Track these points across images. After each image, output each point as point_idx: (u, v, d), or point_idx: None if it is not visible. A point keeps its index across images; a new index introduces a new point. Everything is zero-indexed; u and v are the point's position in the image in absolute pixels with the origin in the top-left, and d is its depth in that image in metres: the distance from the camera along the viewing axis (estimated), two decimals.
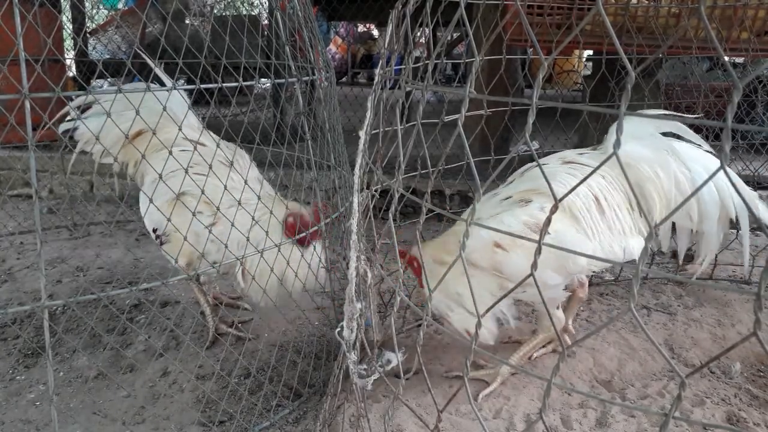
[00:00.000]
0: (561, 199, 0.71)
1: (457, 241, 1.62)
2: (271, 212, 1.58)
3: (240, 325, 1.98)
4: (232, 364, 1.79)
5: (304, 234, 1.67)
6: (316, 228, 1.68)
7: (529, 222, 1.51)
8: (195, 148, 1.48)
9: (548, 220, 0.73)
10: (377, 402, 1.59)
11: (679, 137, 1.70)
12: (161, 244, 1.72)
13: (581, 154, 1.73)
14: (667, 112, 1.72)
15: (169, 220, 1.37)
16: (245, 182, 1.55)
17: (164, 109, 1.34)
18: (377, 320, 1.66)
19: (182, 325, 2.04)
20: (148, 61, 1.64)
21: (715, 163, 1.60)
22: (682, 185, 1.61)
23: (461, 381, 0.82)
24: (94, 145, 1.90)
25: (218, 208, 1.47)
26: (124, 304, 2.19)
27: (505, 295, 0.84)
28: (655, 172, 1.62)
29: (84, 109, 1.91)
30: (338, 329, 1.27)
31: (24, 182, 3.56)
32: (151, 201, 1.37)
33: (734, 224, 1.73)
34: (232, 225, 1.45)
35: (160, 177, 1.36)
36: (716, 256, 2.38)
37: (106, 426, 1.52)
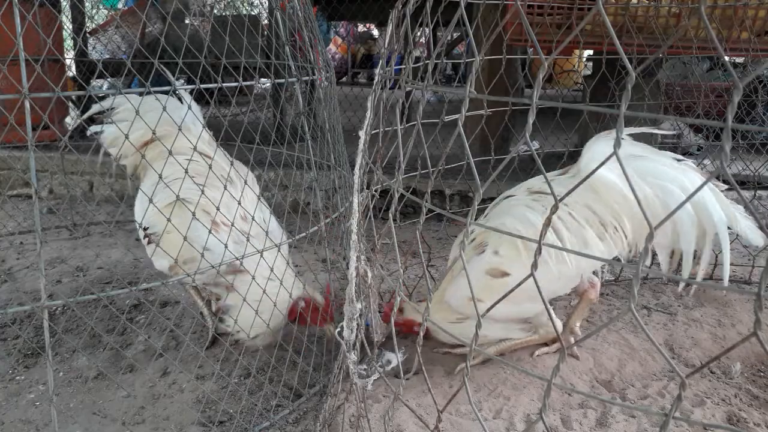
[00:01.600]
0: (496, 253, 0.71)
1: (443, 301, 1.71)
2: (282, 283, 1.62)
3: None
4: (232, 364, 1.79)
5: (312, 317, 1.72)
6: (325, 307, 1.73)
7: (491, 270, 1.60)
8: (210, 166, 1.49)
9: (548, 221, 0.73)
10: (377, 402, 1.58)
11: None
12: (149, 242, 1.72)
13: (552, 180, 1.71)
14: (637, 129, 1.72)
15: (169, 220, 1.37)
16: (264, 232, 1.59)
17: (189, 107, 1.36)
18: (378, 320, 1.66)
19: (182, 325, 2.04)
20: (164, 71, 1.65)
21: (691, 179, 1.59)
22: (653, 206, 1.57)
23: (461, 381, 0.82)
24: (114, 148, 1.94)
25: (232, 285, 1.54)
26: (124, 304, 2.19)
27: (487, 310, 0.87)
28: (623, 195, 1.60)
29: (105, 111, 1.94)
30: (338, 329, 1.27)
31: (24, 182, 3.56)
32: (151, 200, 1.37)
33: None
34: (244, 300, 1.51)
35: (160, 177, 1.36)
36: (716, 256, 2.38)
37: (105, 426, 1.52)
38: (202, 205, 1.51)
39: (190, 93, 1.77)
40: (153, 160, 1.80)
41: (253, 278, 1.54)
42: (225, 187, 1.52)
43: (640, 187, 1.59)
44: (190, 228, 1.44)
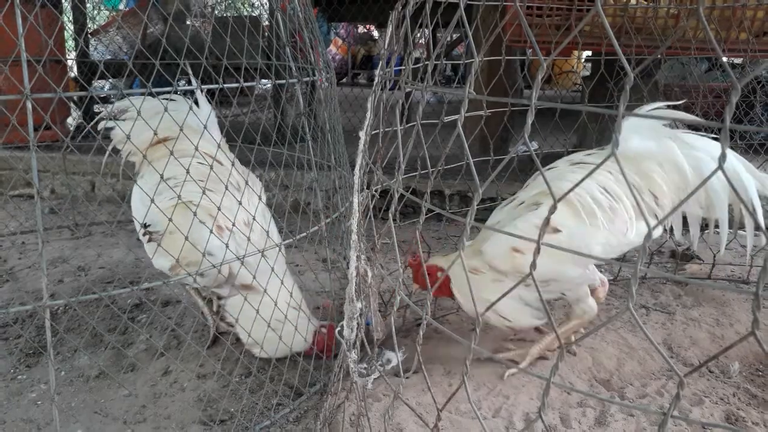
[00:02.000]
0: (560, 199, 0.71)
1: (479, 251, 1.69)
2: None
3: None
4: (233, 363, 1.79)
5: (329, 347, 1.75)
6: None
7: (540, 225, 1.54)
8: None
9: (547, 221, 0.74)
10: (377, 401, 1.59)
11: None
12: (149, 240, 1.72)
13: (589, 154, 1.78)
14: (659, 104, 1.73)
15: (170, 220, 1.38)
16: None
17: (209, 111, 1.36)
18: (378, 319, 1.67)
19: (183, 324, 2.04)
20: (190, 69, 1.66)
21: (718, 148, 1.61)
22: (688, 173, 1.62)
23: (461, 379, 0.83)
24: (124, 146, 1.93)
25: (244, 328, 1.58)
26: (126, 304, 2.19)
27: (511, 289, 0.85)
28: (659, 163, 1.65)
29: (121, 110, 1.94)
30: (338, 329, 1.28)
31: (26, 182, 3.57)
32: (152, 200, 1.38)
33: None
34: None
35: (161, 178, 1.37)
36: (714, 256, 2.39)
37: (107, 425, 1.53)
38: (209, 210, 1.50)
39: (191, 93, 1.77)
40: (159, 159, 1.78)
41: (275, 304, 1.57)
42: (227, 192, 1.52)
43: (675, 153, 1.63)
44: (195, 230, 1.44)
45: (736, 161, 1.64)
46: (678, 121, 1.69)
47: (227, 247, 1.49)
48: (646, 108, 1.70)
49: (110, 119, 1.88)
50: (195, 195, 1.48)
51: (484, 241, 1.69)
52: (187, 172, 1.44)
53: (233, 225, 1.51)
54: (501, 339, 1.92)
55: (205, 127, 1.47)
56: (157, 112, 1.55)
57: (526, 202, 1.68)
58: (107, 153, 2.02)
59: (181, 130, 1.35)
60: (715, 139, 1.69)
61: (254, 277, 1.59)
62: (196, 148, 1.50)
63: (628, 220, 1.63)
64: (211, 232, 1.48)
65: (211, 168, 1.48)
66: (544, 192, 1.67)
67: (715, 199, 1.65)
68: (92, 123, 1.90)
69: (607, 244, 1.61)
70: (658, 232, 1.70)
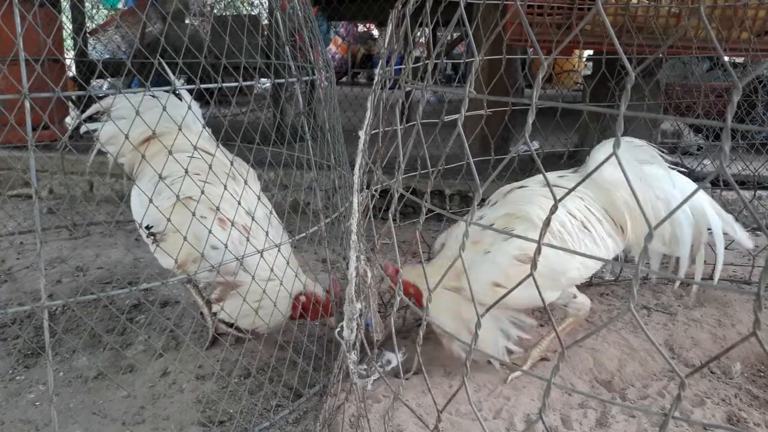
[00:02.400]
0: (543, 234, 0.71)
1: (452, 266, 1.67)
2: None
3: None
4: (232, 364, 1.79)
5: (313, 311, 1.73)
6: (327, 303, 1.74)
7: (519, 255, 1.57)
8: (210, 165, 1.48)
9: (548, 221, 0.73)
10: (377, 402, 1.59)
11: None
12: (154, 242, 1.72)
13: (562, 176, 1.78)
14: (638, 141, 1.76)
15: (168, 220, 1.37)
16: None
17: (189, 107, 1.36)
18: (377, 320, 1.66)
19: (182, 325, 2.04)
20: (164, 72, 1.64)
21: (691, 186, 1.67)
22: (657, 209, 1.64)
23: (461, 381, 0.82)
24: (112, 146, 1.92)
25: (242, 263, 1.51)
26: (124, 304, 2.19)
27: (494, 303, 0.86)
28: (628, 194, 1.66)
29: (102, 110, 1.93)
30: (338, 329, 1.27)
31: (24, 182, 3.56)
32: (151, 200, 1.37)
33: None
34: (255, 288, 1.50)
35: (160, 177, 1.36)
36: (716, 257, 2.38)
37: (105, 426, 1.52)
38: (209, 203, 1.50)
39: (190, 93, 1.77)
40: (152, 158, 1.77)
41: (253, 278, 1.54)
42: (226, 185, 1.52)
43: (645, 189, 1.64)
44: (198, 226, 1.44)
45: (704, 198, 1.68)
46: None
47: (226, 246, 1.49)
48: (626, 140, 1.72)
49: (92, 119, 1.87)
50: (193, 189, 1.48)
51: (449, 257, 1.66)
52: (186, 172, 1.43)
53: (249, 227, 1.51)
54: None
55: (179, 127, 1.42)
56: (146, 109, 1.53)
57: (496, 224, 1.66)
58: (93, 152, 2.01)
59: (180, 129, 1.35)
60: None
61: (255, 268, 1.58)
62: (195, 147, 1.50)
63: (599, 241, 1.64)
64: (210, 232, 1.47)
65: (210, 167, 1.47)
66: (512, 214, 1.65)
67: (679, 234, 1.66)
68: (84, 115, 1.89)
69: (582, 266, 1.63)
70: (618, 250, 1.72)
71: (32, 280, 2.40)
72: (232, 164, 1.58)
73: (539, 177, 1.79)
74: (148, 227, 1.69)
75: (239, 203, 1.53)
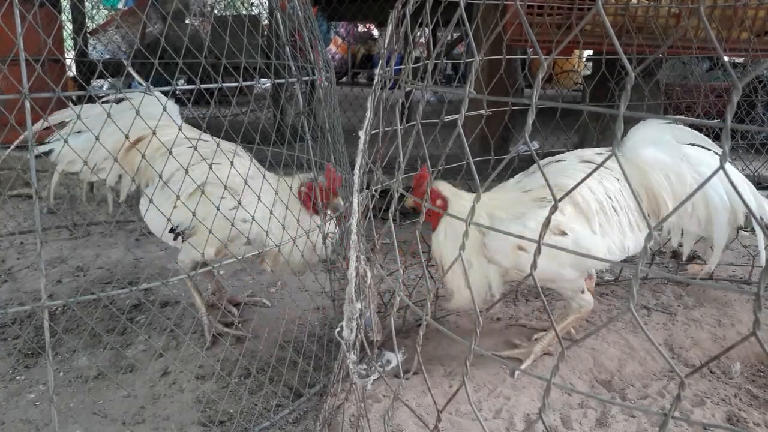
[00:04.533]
0: (560, 200, 0.71)
1: (504, 199, 1.68)
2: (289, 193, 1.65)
3: (240, 324, 1.98)
4: (232, 364, 1.79)
5: (321, 201, 1.72)
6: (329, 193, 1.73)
7: (550, 225, 1.54)
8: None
9: (548, 221, 0.73)
10: (377, 402, 1.59)
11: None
12: (184, 240, 1.71)
13: (599, 154, 1.78)
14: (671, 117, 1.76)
15: (193, 214, 1.38)
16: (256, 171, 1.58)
17: (164, 109, 1.35)
18: (377, 320, 1.66)
19: (182, 325, 2.04)
20: (132, 71, 1.59)
21: (730, 168, 1.67)
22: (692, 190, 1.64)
23: (461, 380, 0.82)
24: (80, 164, 1.78)
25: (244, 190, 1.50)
26: (124, 304, 2.19)
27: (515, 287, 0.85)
28: (668, 176, 1.67)
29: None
30: (338, 329, 1.27)
31: (24, 182, 3.56)
32: (148, 202, 1.37)
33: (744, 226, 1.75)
34: (258, 198, 1.51)
35: (160, 178, 1.36)
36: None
37: (106, 426, 1.52)
38: (219, 183, 1.48)
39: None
40: (144, 163, 1.69)
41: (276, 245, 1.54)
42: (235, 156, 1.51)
43: (687, 171, 1.66)
44: (222, 208, 1.45)
45: (738, 178, 1.68)
46: (679, 122, 1.70)
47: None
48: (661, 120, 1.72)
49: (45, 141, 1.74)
50: (206, 176, 1.47)
51: (487, 233, 1.64)
52: (185, 173, 1.43)
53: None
54: (503, 339, 1.91)
55: (151, 130, 1.38)
56: (115, 115, 1.43)
57: (532, 192, 1.66)
58: (54, 180, 1.87)
59: (153, 132, 1.34)
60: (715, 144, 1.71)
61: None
62: (195, 148, 1.50)
63: (628, 229, 1.65)
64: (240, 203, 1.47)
65: (209, 164, 1.46)
66: (555, 186, 1.65)
67: (715, 217, 1.67)
68: (39, 126, 1.64)
69: (608, 252, 1.62)
70: (638, 249, 1.71)
71: (32, 280, 2.40)
72: (218, 146, 1.57)
73: (578, 152, 1.80)
74: (172, 230, 1.68)
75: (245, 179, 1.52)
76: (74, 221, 3.12)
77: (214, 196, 1.46)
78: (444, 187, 1.70)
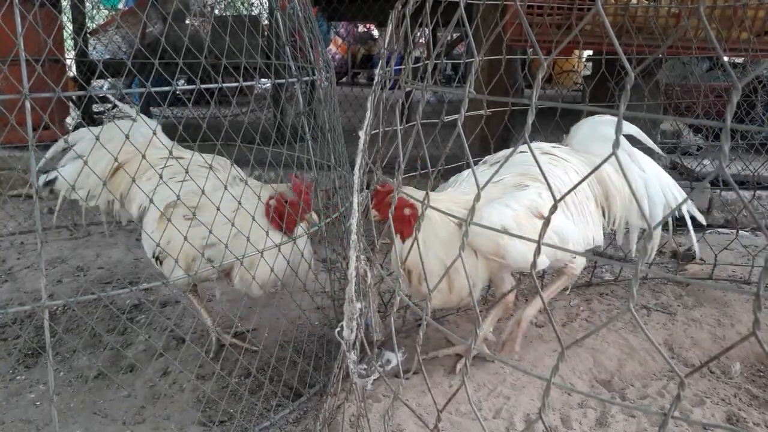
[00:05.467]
0: (561, 199, 0.71)
1: (458, 199, 1.67)
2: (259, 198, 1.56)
3: (249, 333, 1.93)
4: (232, 364, 1.79)
5: (290, 215, 1.59)
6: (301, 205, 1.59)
7: (531, 206, 1.60)
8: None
9: (548, 220, 0.74)
10: (377, 402, 1.59)
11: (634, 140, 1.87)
12: (161, 264, 1.68)
13: (554, 147, 1.87)
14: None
15: (160, 242, 1.37)
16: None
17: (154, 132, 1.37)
18: (377, 320, 1.66)
19: (182, 325, 2.04)
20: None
21: (660, 170, 1.83)
22: (638, 187, 1.78)
23: (461, 380, 0.82)
24: (83, 189, 1.84)
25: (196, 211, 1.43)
26: (125, 304, 2.19)
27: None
28: (617, 172, 1.79)
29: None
30: (338, 329, 1.27)
31: (24, 182, 3.56)
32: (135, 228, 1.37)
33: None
34: (218, 209, 1.42)
35: (150, 198, 1.37)
36: (716, 256, 2.39)
37: (106, 426, 1.52)
38: (184, 204, 1.45)
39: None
40: (130, 186, 1.69)
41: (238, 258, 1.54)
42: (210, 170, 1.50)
43: (633, 166, 1.78)
44: (182, 228, 1.43)
45: (668, 178, 1.83)
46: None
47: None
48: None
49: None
50: (170, 197, 1.45)
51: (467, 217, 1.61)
52: (150, 201, 1.41)
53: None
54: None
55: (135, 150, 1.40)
56: (106, 140, 1.45)
57: (509, 180, 1.68)
58: (59, 204, 1.91)
59: (143, 155, 1.34)
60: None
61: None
62: (161, 176, 1.47)
63: (590, 219, 1.73)
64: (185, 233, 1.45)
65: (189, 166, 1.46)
66: (525, 174, 1.69)
67: (653, 211, 1.80)
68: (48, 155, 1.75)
69: (578, 241, 1.68)
70: (600, 239, 1.80)
71: (33, 279, 2.40)
72: (189, 164, 1.54)
73: (534, 144, 1.85)
74: (155, 256, 1.67)
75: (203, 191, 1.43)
76: (74, 221, 3.12)
77: (177, 216, 1.45)
78: (410, 192, 1.62)
